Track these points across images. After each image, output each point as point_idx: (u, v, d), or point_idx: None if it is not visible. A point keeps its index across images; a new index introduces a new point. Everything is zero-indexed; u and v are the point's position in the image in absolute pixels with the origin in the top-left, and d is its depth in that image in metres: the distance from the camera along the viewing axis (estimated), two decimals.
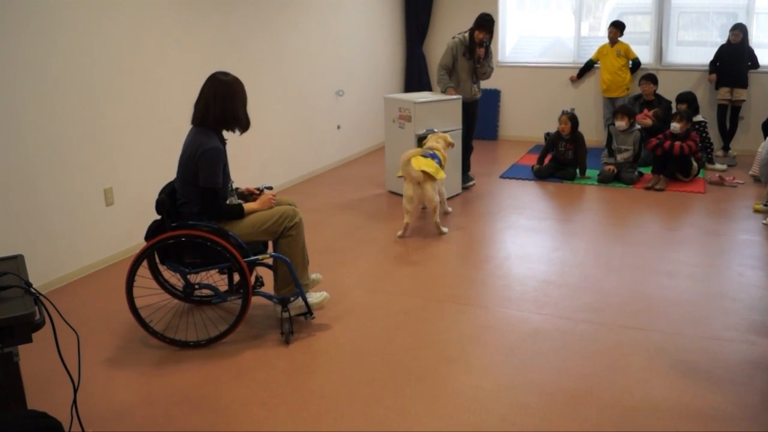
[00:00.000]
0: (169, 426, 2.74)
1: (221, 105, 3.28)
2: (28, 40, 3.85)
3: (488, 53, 6.27)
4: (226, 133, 3.43)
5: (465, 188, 6.48)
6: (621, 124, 6.65)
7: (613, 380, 3.03)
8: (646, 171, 6.74)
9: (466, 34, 6.16)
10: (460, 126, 6.15)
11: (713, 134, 7.61)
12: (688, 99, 7.17)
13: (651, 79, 7.45)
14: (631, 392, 2.92)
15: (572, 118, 6.74)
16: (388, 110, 6.23)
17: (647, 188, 6.39)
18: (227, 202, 3.42)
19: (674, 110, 7.01)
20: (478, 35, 6.07)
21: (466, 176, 6.52)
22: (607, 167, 6.71)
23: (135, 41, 4.61)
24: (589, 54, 8.35)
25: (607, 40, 7.98)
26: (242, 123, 3.39)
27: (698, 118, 7.14)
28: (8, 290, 2.04)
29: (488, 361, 3.22)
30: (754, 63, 7.43)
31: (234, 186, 3.61)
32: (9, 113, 3.79)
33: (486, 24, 6.04)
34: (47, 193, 4.07)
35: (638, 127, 6.78)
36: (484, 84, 8.99)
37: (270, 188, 3.70)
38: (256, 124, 3.51)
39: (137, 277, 3.31)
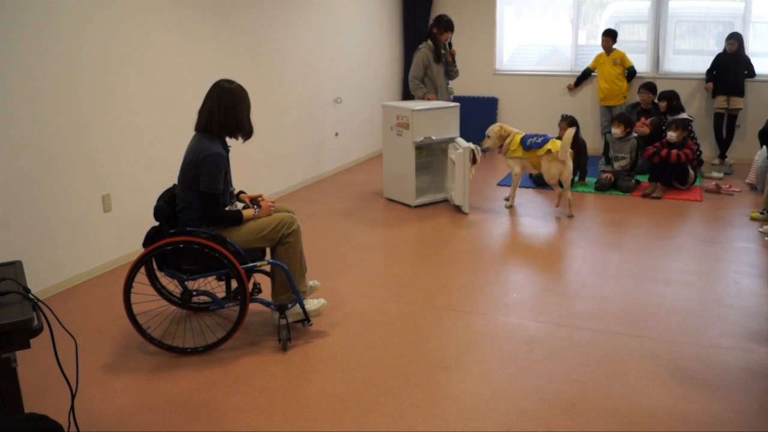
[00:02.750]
0: None
1: (225, 112, 3.31)
2: (24, 45, 3.87)
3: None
4: (229, 140, 3.45)
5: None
6: (617, 131, 6.67)
7: (609, 387, 3.03)
8: (643, 179, 6.75)
9: (429, 42, 6.39)
10: (458, 134, 6.17)
11: (709, 144, 7.67)
12: (668, 96, 7.22)
13: (650, 88, 7.47)
14: (628, 399, 2.93)
15: (572, 124, 6.74)
16: (386, 117, 6.25)
17: (644, 196, 6.41)
18: (227, 209, 3.43)
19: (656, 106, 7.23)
20: (445, 36, 6.35)
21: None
22: (604, 175, 6.73)
23: (133, 48, 4.63)
24: (587, 62, 8.39)
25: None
26: (246, 130, 3.42)
27: (683, 115, 7.17)
28: (6, 296, 2.04)
29: (485, 368, 3.23)
30: (750, 71, 7.47)
31: (237, 191, 3.63)
32: (6, 119, 3.80)
33: (450, 24, 6.35)
34: (45, 200, 4.07)
35: (635, 135, 6.80)
36: (483, 92, 9.08)
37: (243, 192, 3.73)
38: (255, 131, 3.52)
39: (135, 283, 3.31)
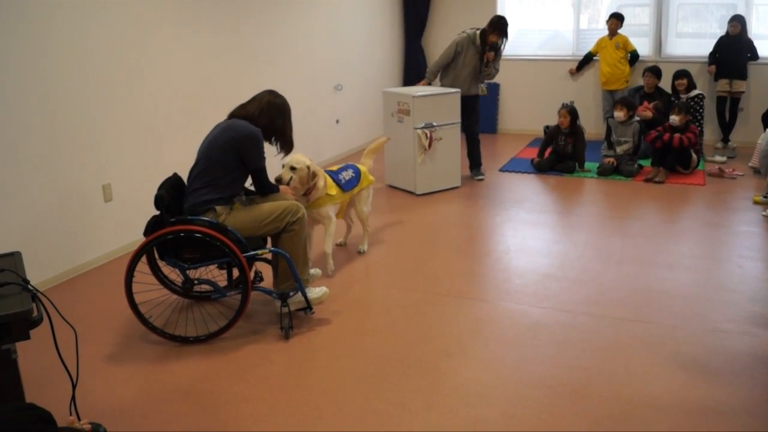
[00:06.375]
0: (169, 422, 2.74)
1: (273, 117, 3.53)
2: (23, 36, 3.84)
3: (498, 55, 6.30)
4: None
5: (479, 179, 6.59)
6: (619, 115, 6.63)
7: (613, 373, 3.03)
8: (646, 163, 6.72)
9: (477, 32, 6.18)
10: (458, 120, 6.14)
11: (712, 128, 7.62)
12: (687, 74, 7.23)
13: (654, 72, 7.41)
14: (631, 385, 2.92)
15: (571, 112, 6.72)
16: (387, 104, 6.22)
17: (647, 180, 6.39)
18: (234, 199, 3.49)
19: (673, 89, 7.20)
20: (492, 38, 6.10)
21: (477, 170, 6.65)
22: (607, 160, 6.70)
23: (132, 37, 4.59)
24: (589, 47, 8.33)
25: (606, 33, 7.96)
26: (287, 141, 3.63)
27: (696, 92, 7.15)
28: (6, 287, 2.03)
29: (488, 355, 3.22)
30: (753, 54, 7.41)
31: None
32: (6, 110, 3.77)
33: (499, 26, 6.08)
34: (45, 190, 4.06)
35: (637, 119, 6.76)
36: None
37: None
38: None
39: (136, 272, 3.30)
